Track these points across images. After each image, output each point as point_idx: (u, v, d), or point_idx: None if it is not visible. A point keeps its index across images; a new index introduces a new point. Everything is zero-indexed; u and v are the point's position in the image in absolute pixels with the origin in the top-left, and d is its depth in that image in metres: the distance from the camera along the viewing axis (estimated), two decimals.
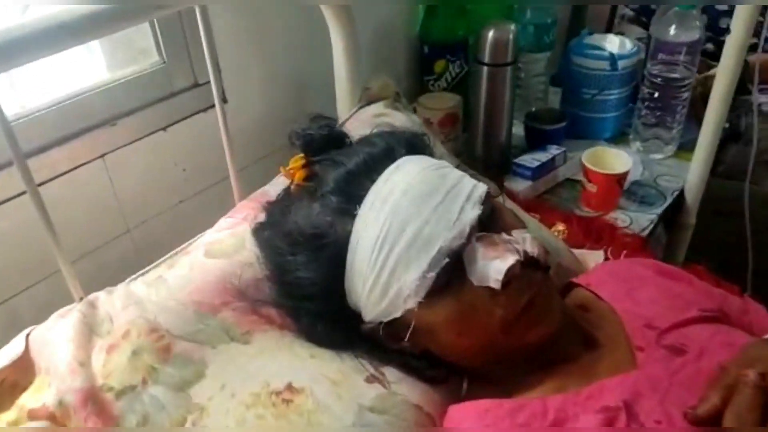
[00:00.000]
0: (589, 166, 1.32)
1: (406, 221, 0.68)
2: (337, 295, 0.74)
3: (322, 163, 0.77)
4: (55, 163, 0.97)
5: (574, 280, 0.92)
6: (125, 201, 1.07)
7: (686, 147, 1.48)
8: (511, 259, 0.67)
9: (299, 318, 0.79)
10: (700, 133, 1.31)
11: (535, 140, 1.51)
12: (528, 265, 0.68)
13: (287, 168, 0.80)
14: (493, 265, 0.67)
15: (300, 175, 0.79)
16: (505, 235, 0.71)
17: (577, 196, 1.40)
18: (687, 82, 1.42)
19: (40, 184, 0.91)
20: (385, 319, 0.72)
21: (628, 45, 1.51)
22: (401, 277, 0.68)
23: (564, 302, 0.80)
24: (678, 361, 0.69)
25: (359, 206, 0.70)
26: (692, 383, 0.65)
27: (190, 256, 0.90)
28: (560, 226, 1.24)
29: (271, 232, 0.79)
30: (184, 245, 0.94)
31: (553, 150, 1.43)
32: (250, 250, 0.85)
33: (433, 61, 1.51)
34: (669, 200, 1.38)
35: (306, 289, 0.74)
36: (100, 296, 0.83)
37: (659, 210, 1.36)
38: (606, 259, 1.15)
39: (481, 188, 0.72)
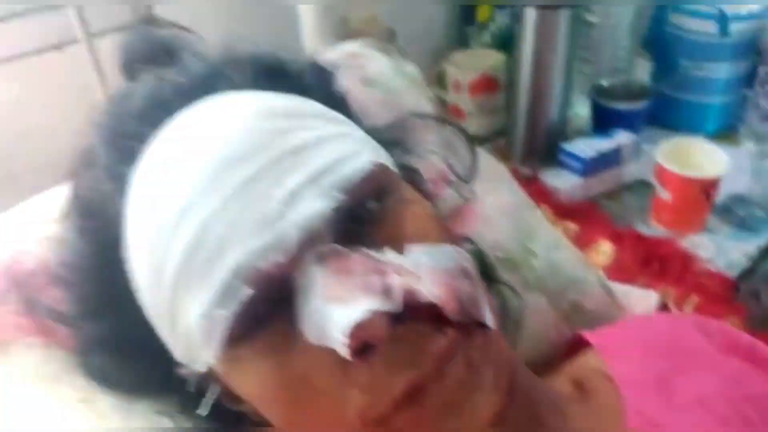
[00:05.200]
0: (663, 162, 0.92)
1: (185, 207, 0.36)
2: (124, 312, 0.43)
3: (111, 95, 0.47)
4: None
5: (588, 334, 0.58)
6: None
7: None
8: (361, 307, 0.33)
9: (76, 336, 0.49)
10: None
11: (605, 125, 1.13)
12: (418, 317, 0.35)
13: None
14: (334, 314, 0.34)
15: None
16: (388, 254, 0.37)
17: (648, 207, 1.00)
18: None
19: None
20: (195, 368, 0.41)
21: (750, 2, 1.10)
22: (184, 306, 0.38)
23: (524, 382, 0.46)
24: None
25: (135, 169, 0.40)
26: None
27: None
28: (604, 246, 0.85)
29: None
30: None
31: (621, 138, 1.05)
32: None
33: (475, 6, 1.16)
34: None
35: (74, 295, 0.45)
36: None
37: (763, 240, 0.95)
38: (663, 306, 0.76)
39: (356, 162, 0.38)
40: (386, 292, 0.34)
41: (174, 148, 0.38)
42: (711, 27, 1.09)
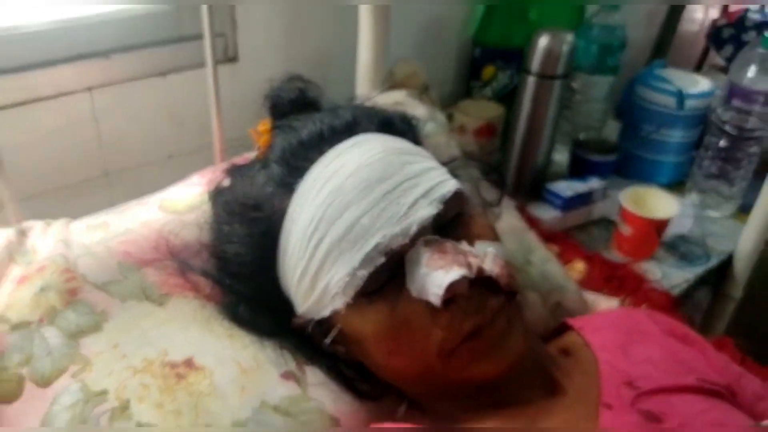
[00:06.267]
0: (625, 205, 1.17)
1: (345, 207, 0.58)
2: (268, 279, 0.65)
3: (281, 128, 0.68)
4: (37, 86, 0.91)
5: (571, 320, 0.79)
6: (108, 143, 1.01)
7: (748, 209, 1.29)
8: (455, 273, 0.55)
9: (225, 294, 0.70)
10: (761, 193, 1.14)
11: (579, 171, 1.38)
12: (481, 284, 0.57)
13: (256, 131, 0.73)
14: (435, 277, 0.56)
15: (264, 140, 0.71)
16: (463, 245, 0.59)
17: (610, 239, 1.25)
18: (759, 134, 1.26)
19: (17, 104, 0.90)
20: (315, 317, 0.63)
21: (702, 84, 1.36)
22: (330, 270, 0.59)
23: (531, 339, 0.67)
24: (649, 430, 0.56)
25: (301, 181, 0.61)
26: None
27: (143, 207, 0.82)
28: (579, 265, 1.09)
29: (222, 198, 0.70)
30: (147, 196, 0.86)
31: (593, 183, 1.29)
32: (202, 213, 0.76)
33: (482, 65, 1.41)
34: (713, 263, 1.22)
35: (234, 265, 0.67)
36: (36, 227, 0.78)
37: (699, 270, 1.20)
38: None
39: (448, 186, 0.61)
40: (468, 266, 0.57)
41: (336, 168, 0.59)
42: (670, 102, 1.34)
